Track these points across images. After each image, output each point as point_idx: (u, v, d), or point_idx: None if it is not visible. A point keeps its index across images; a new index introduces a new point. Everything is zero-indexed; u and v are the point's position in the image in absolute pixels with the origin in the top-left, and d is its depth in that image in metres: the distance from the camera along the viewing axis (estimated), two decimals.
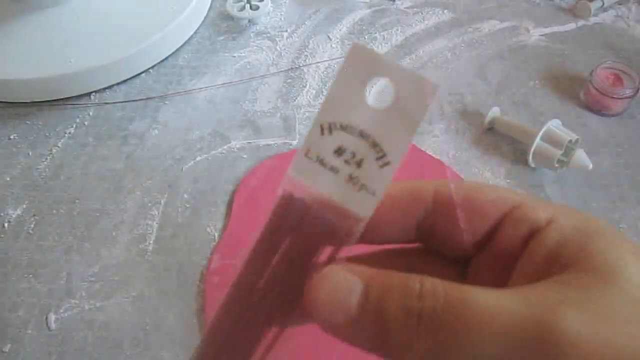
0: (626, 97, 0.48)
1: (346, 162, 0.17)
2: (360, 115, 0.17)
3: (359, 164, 0.17)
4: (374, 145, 0.17)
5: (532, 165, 0.45)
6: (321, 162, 0.17)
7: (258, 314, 0.18)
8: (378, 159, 0.17)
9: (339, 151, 0.17)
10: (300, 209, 0.18)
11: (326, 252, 0.18)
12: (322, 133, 0.17)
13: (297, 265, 0.18)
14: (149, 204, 0.44)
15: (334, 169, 0.17)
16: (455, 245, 0.19)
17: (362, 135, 0.17)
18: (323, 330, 0.17)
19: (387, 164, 0.17)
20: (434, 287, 0.15)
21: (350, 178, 0.17)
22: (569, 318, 0.15)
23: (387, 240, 0.19)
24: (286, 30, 0.59)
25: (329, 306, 0.16)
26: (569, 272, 0.16)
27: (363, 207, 0.17)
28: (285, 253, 0.18)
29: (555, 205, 0.19)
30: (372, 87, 0.17)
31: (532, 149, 0.44)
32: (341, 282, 0.16)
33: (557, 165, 0.44)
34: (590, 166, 0.43)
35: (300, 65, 0.55)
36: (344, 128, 0.17)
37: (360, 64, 0.16)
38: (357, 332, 0.16)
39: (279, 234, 0.18)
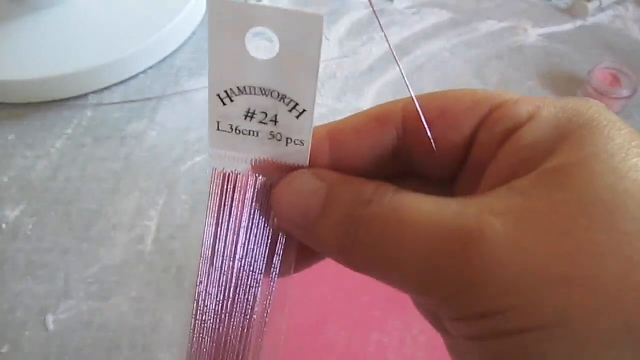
0: (624, 98, 0.48)
1: (261, 122, 0.16)
2: (253, 72, 0.15)
3: (274, 121, 0.16)
4: (282, 97, 0.16)
5: None
6: (236, 130, 0.16)
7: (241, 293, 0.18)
8: (291, 110, 0.16)
9: (249, 114, 0.16)
10: (238, 180, 0.17)
11: None
12: (224, 103, 0.16)
13: (262, 229, 0.18)
14: (147, 205, 0.44)
15: (252, 133, 0.16)
16: (436, 165, 0.17)
17: (264, 91, 0.16)
18: (284, 230, 0.17)
19: (302, 112, 0.16)
20: (385, 193, 0.14)
21: (273, 136, 0.16)
22: (494, 230, 0.12)
23: (363, 173, 0.17)
24: None
25: (292, 207, 0.16)
26: (529, 176, 0.13)
27: (297, 157, 0.17)
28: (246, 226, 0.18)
29: (544, 99, 0.15)
30: (250, 38, 0.15)
31: None
32: (306, 185, 0.16)
33: None
34: None
35: None
36: (242, 91, 0.16)
37: (228, 20, 0.14)
38: (313, 234, 0.16)
39: (228, 210, 0.18)
